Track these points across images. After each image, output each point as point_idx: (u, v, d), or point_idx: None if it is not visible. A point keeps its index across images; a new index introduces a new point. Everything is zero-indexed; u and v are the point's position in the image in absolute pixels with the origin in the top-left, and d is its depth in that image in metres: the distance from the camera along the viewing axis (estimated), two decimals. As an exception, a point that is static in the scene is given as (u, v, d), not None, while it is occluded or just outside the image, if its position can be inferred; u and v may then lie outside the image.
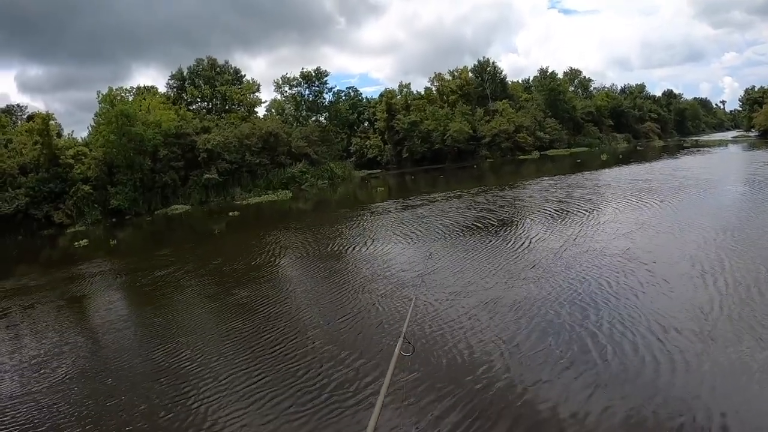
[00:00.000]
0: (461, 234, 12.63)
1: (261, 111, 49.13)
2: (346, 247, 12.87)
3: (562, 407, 4.25)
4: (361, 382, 5.18)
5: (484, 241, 11.52)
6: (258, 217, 26.14)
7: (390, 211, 19.23)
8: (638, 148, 53.92)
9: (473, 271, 8.88)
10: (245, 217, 26.43)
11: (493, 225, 13.36)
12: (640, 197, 15.01)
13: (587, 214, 13.27)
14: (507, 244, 10.84)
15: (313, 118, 50.55)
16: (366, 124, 57.09)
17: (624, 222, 11.61)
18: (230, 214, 27.58)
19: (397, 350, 2.76)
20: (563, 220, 12.82)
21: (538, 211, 14.94)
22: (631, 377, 4.60)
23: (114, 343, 7.90)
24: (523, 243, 10.67)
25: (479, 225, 13.61)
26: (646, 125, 73.41)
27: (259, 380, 5.57)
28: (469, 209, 16.96)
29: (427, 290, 7.84)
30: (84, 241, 23.27)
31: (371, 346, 6.13)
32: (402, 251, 11.55)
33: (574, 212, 13.73)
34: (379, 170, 51.00)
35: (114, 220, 32.84)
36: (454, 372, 5.14)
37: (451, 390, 4.76)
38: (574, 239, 10.38)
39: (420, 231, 13.82)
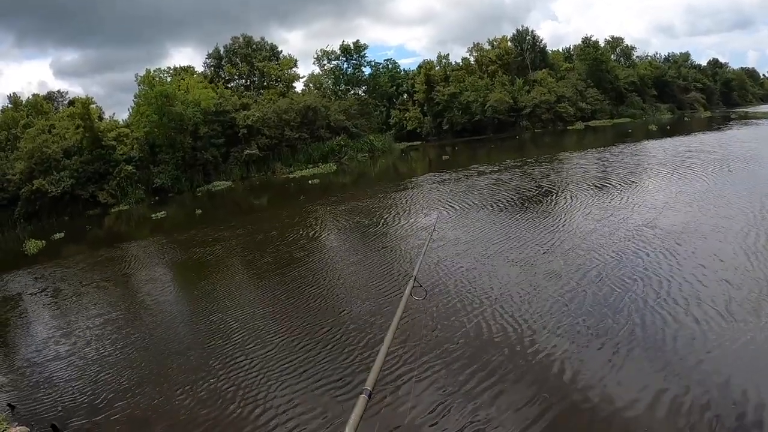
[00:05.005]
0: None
1: (299, 86, 48.21)
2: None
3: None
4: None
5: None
6: (328, 188, 25.27)
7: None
8: (685, 119, 50.93)
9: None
10: (324, 186, 26.01)
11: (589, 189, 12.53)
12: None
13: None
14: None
15: (352, 92, 49.37)
16: (405, 96, 55.62)
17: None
18: (310, 182, 27.74)
19: (407, 292, 2.59)
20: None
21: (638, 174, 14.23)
22: None
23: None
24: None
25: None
26: (691, 95, 69.29)
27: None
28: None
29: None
30: (161, 213, 24.07)
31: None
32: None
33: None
34: (419, 142, 49.53)
35: (157, 198, 32.74)
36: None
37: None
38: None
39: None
